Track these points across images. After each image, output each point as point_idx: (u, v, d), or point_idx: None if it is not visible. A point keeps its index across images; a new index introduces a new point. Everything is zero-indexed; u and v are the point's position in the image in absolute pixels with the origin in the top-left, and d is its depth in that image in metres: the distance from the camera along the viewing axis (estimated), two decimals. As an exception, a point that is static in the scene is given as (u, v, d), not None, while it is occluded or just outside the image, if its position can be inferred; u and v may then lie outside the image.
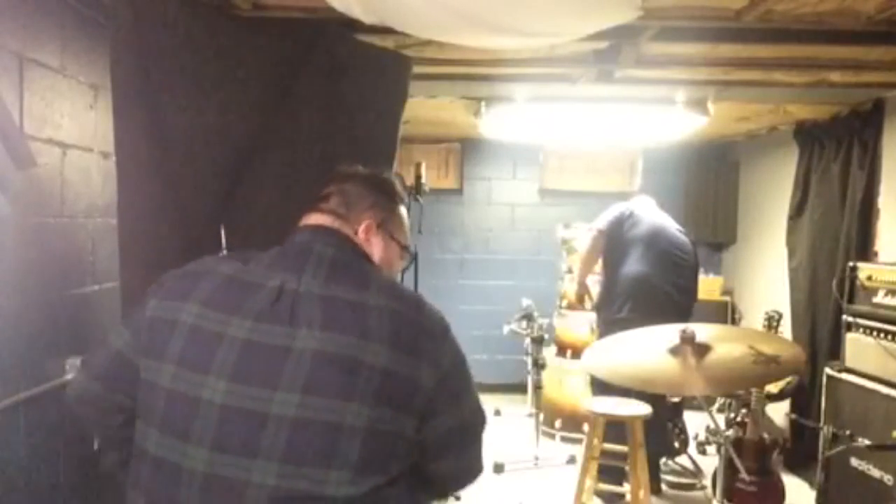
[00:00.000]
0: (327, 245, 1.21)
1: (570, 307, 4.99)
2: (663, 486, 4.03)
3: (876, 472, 3.00)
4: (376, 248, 1.29)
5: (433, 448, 1.19)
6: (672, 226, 4.03)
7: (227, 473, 1.05)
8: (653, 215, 4.06)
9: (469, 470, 1.28)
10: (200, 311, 1.14)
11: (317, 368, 1.07)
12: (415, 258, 3.91)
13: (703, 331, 2.28)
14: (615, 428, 3.36)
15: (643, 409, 3.30)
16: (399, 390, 1.10)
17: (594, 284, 4.22)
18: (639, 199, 4.24)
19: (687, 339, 2.20)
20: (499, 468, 4.27)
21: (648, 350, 2.29)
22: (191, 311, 1.14)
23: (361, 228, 1.27)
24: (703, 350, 2.20)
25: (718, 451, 2.84)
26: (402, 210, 1.39)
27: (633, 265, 3.85)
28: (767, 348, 2.17)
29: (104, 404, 1.24)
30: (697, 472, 4.08)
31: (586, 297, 4.36)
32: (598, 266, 4.15)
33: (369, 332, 1.10)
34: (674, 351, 2.21)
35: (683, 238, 4.01)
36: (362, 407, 1.06)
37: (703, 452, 4.48)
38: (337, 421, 1.05)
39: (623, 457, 3.34)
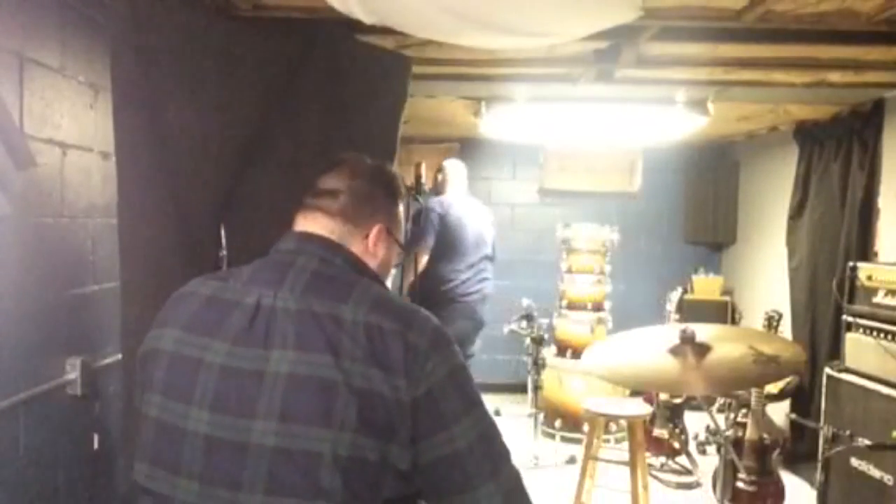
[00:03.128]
0: (312, 257, 1.14)
1: (570, 307, 4.99)
2: (664, 486, 4.03)
3: (876, 472, 3.00)
4: (381, 253, 1.23)
5: (430, 483, 1.06)
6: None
7: None
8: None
9: None
10: (181, 336, 1.10)
11: (291, 393, 1.01)
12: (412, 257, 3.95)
13: (703, 331, 2.28)
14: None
15: (643, 408, 3.30)
16: (381, 414, 1.01)
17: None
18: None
19: (687, 339, 2.20)
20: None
21: (648, 350, 2.29)
22: (171, 337, 1.10)
23: (373, 234, 1.20)
24: (703, 350, 2.19)
25: (718, 451, 2.84)
26: (402, 204, 1.31)
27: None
28: (767, 348, 2.17)
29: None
30: (694, 469, 4.09)
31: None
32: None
33: (343, 351, 1.02)
34: (674, 351, 2.21)
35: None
36: (343, 433, 0.99)
37: (703, 452, 4.48)
38: (317, 450, 0.99)
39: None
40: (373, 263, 1.22)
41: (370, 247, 1.21)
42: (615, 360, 2.38)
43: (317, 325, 1.04)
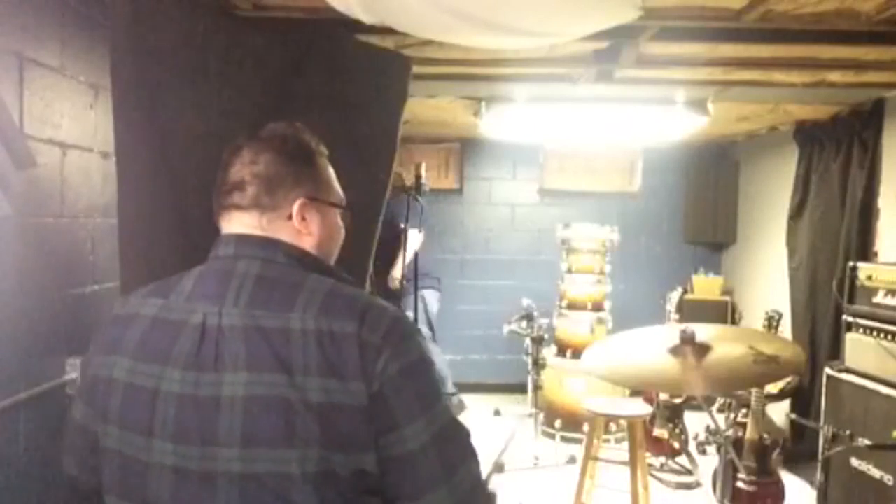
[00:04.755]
0: (253, 260, 1.06)
1: (570, 307, 5.00)
2: (664, 486, 4.03)
3: (876, 472, 3.00)
4: (314, 226, 1.12)
5: (385, 487, 1.00)
6: None
7: None
8: None
9: None
10: (131, 365, 1.04)
11: (250, 417, 0.96)
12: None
13: (703, 331, 2.28)
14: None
15: (643, 408, 3.30)
16: (345, 425, 0.96)
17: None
18: None
19: (687, 339, 2.20)
20: (498, 468, 4.26)
21: (648, 350, 2.29)
22: (122, 366, 1.05)
23: (295, 212, 1.10)
24: (703, 350, 2.20)
25: (718, 451, 2.84)
26: (323, 161, 1.19)
27: None
28: (767, 348, 2.17)
29: (82, 487, 1.16)
30: (694, 469, 4.09)
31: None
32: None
33: (295, 366, 0.96)
34: (674, 351, 2.21)
35: None
36: (308, 451, 0.95)
37: (704, 452, 4.48)
38: (285, 471, 0.95)
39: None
40: (310, 243, 1.12)
41: (298, 226, 1.10)
42: (615, 360, 2.38)
43: (265, 342, 0.98)
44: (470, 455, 1.06)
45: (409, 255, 4.39)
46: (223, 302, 1.03)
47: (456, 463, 1.03)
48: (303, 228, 1.11)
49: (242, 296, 1.03)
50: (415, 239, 4.60)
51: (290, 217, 1.10)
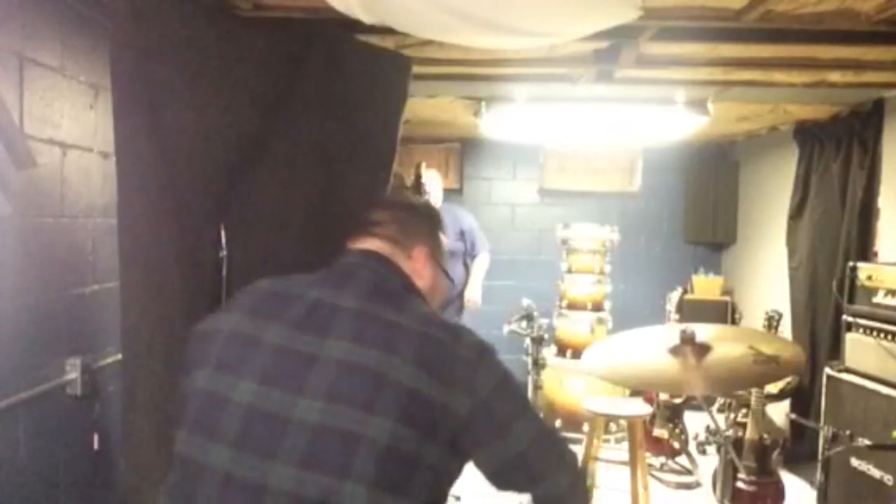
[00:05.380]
0: (375, 271, 1.24)
1: (570, 307, 4.99)
2: (664, 486, 4.03)
3: (876, 472, 3.00)
4: (427, 276, 1.32)
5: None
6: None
7: (246, 474, 1.04)
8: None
9: (561, 498, 1.19)
10: (241, 318, 1.16)
11: (341, 377, 1.06)
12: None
13: (703, 331, 2.28)
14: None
15: (643, 408, 3.30)
16: (425, 414, 1.06)
17: None
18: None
19: (687, 339, 2.20)
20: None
21: (648, 350, 2.29)
22: (233, 319, 1.17)
23: (416, 254, 1.30)
24: (703, 350, 2.19)
25: (718, 451, 2.84)
26: (443, 237, 1.42)
27: None
28: (767, 348, 2.17)
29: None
30: (694, 469, 4.09)
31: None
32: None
33: (398, 350, 1.08)
34: (674, 351, 2.21)
35: None
36: (385, 421, 1.04)
37: (704, 452, 4.48)
38: (358, 432, 1.03)
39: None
40: (420, 284, 1.30)
41: (415, 265, 1.30)
42: (615, 360, 2.38)
43: (375, 324, 1.12)
44: (563, 443, 1.23)
45: (481, 276, 4.74)
46: (341, 293, 1.17)
47: (562, 451, 1.20)
48: (417, 269, 1.31)
49: (361, 292, 1.18)
50: (484, 261, 4.86)
51: (410, 256, 1.30)
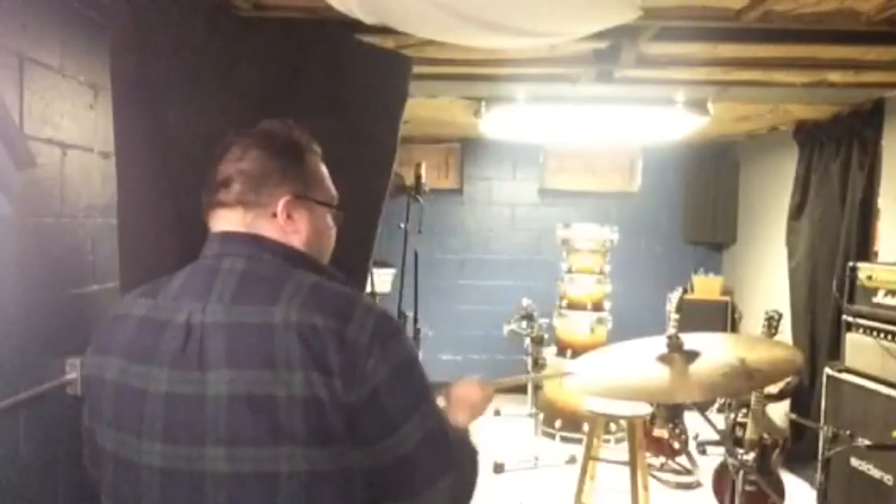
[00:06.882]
0: (237, 257, 1.06)
1: (570, 307, 5.00)
2: (664, 486, 4.03)
3: (876, 472, 3.00)
4: (302, 225, 1.10)
5: (387, 484, 1.01)
6: None
7: None
8: None
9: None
10: (123, 365, 1.04)
11: (232, 414, 0.95)
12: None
13: (692, 339, 2.27)
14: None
15: (643, 408, 3.30)
16: (328, 419, 0.94)
17: None
18: None
19: (674, 346, 2.19)
20: (499, 468, 4.27)
21: (637, 360, 2.28)
22: (114, 366, 1.05)
23: (280, 210, 1.08)
24: (691, 357, 2.19)
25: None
26: (314, 159, 1.17)
27: None
28: (754, 359, 2.15)
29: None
30: (694, 469, 4.09)
31: None
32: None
33: (278, 360, 0.95)
34: (663, 359, 2.20)
35: None
36: (294, 449, 0.94)
37: (704, 452, 4.48)
38: (273, 471, 0.94)
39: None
40: (298, 241, 1.10)
41: (283, 224, 1.09)
42: (606, 373, 2.37)
43: (248, 337, 0.97)
44: (454, 450, 1.08)
45: None
46: (207, 299, 1.02)
47: (448, 459, 1.06)
48: (288, 226, 1.09)
49: (226, 293, 1.02)
50: None
51: (274, 215, 1.08)
